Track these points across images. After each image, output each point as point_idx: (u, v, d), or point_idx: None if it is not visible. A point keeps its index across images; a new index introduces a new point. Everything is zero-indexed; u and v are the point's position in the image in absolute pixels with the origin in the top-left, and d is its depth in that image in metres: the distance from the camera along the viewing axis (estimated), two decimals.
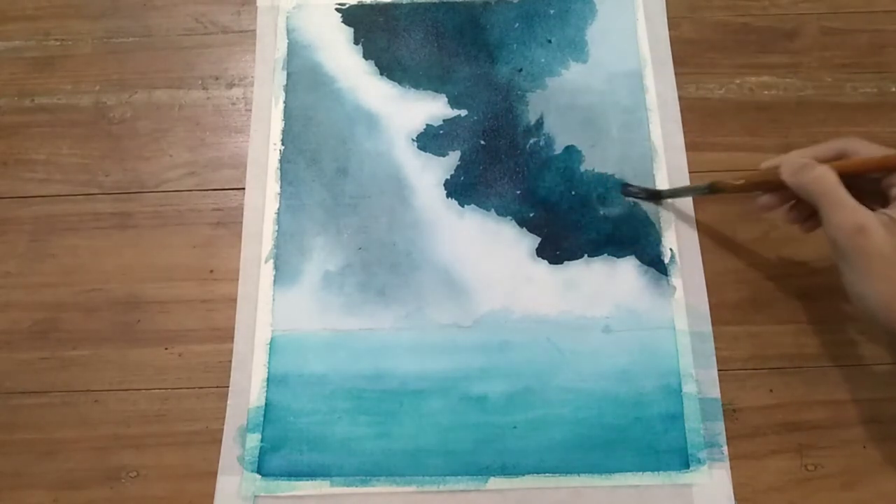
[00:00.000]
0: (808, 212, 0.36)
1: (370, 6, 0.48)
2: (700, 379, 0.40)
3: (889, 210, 0.32)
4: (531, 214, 0.43)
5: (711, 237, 0.43)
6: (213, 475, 0.38)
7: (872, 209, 0.32)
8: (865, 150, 0.34)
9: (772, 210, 0.37)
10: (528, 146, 0.45)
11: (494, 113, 0.46)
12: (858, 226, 0.31)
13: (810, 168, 0.33)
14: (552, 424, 0.39)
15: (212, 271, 0.42)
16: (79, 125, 0.46)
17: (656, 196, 0.43)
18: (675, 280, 0.42)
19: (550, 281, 0.42)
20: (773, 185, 0.36)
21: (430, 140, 0.45)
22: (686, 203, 0.43)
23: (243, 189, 0.44)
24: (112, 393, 0.40)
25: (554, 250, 0.42)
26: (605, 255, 0.42)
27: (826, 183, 0.32)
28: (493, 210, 0.43)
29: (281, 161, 0.45)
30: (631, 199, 0.43)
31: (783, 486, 0.38)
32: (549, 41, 0.47)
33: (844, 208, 0.32)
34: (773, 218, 0.38)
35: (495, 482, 0.38)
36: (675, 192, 0.43)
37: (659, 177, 0.44)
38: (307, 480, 0.38)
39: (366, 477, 0.38)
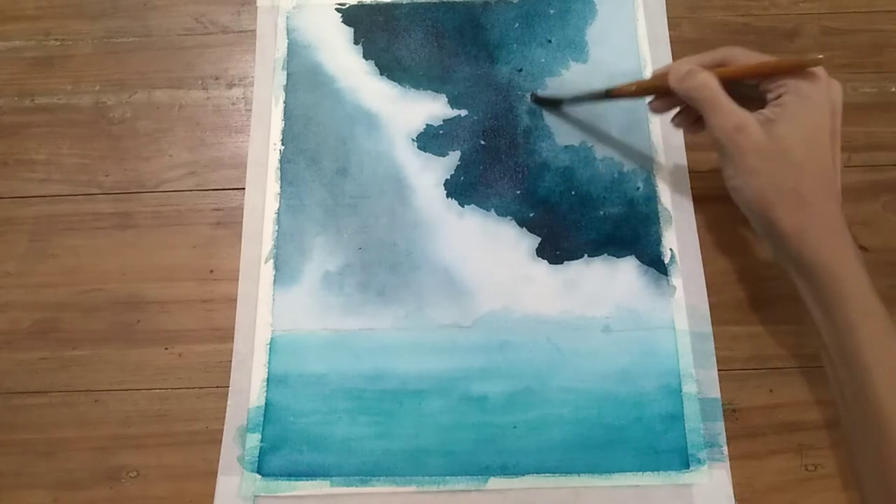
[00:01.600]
0: (694, 116, 0.39)
1: (370, 6, 0.48)
2: (700, 379, 0.40)
3: (765, 111, 0.35)
4: (531, 214, 0.43)
5: (711, 237, 0.43)
6: (213, 475, 0.38)
7: (752, 111, 0.35)
8: (745, 58, 0.36)
9: (662, 113, 0.40)
10: (528, 146, 0.45)
11: (494, 113, 0.46)
12: (737, 125, 0.34)
13: (693, 75, 0.36)
14: (552, 424, 0.39)
15: (212, 271, 0.42)
16: (79, 125, 0.46)
17: (558, 103, 0.45)
18: (675, 280, 0.42)
19: (550, 281, 0.42)
20: (664, 91, 0.38)
21: (430, 140, 0.45)
22: (686, 203, 0.43)
23: (243, 189, 0.44)
24: (112, 393, 0.40)
25: (554, 250, 0.42)
26: (605, 255, 0.42)
27: (708, 89, 0.35)
28: (493, 210, 0.43)
29: (281, 161, 0.45)
30: (538, 106, 0.45)
31: (783, 486, 0.38)
32: (549, 41, 0.47)
33: (724, 110, 0.35)
34: (665, 121, 0.41)
35: (495, 482, 0.38)
36: (575, 99, 0.44)
37: (659, 177, 0.44)
38: (307, 480, 0.38)
39: (366, 477, 0.38)
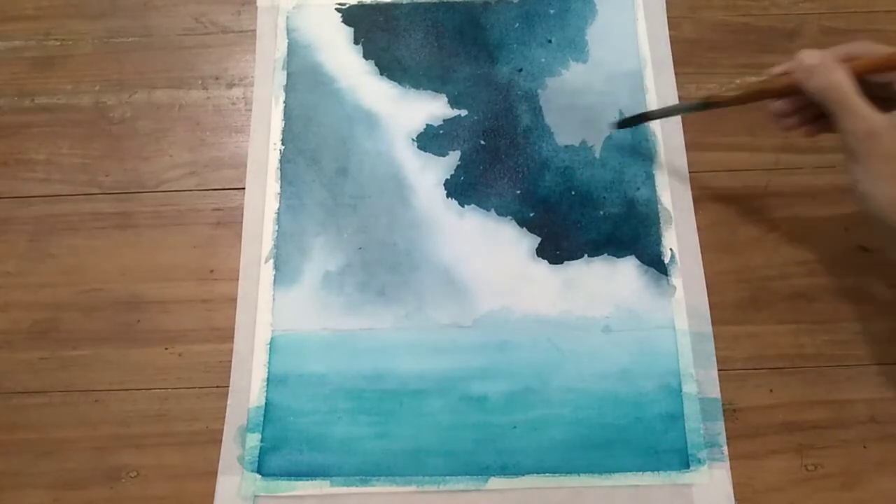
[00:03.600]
0: (812, 115, 0.36)
1: (370, 6, 0.48)
2: (700, 379, 0.40)
3: None
4: (531, 214, 0.43)
5: (711, 237, 0.43)
6: (213, 475, 0.38)
7: (881, 110, 0.33)
8: (875, 51, 0.34)
9: (788, 117, 0.37)
10: (528, 146, 0.45)
11: (494, 113, 0.46)
12: (870, 130, 0.32)
13: (827, 71, 0.33)
14: (552, 424, 0.39)
15: (212, 271, 0.42)
16: (79, 125, 0.46)
17: (645, 118, 0.44)
18: (675, 280, 0.42)
19: (550, 281, 0.42)
20: (771, 94, 0.36)
21: (430, 140, 0.45)
22: (686, 203, 0.43)
23: (243, 189, 0.44)
24: (112, 393, 0.40)
25: (554, 250, 0.42)
26: (605, 255, 0.42)
27: (842, 89, 0.33)
28: (493, 210, 0.43)
29: (281, 161, 0.45)
30: (625, 128, 0.44)
31: (783, 486, 0.38)
32: (549, 41, 0.47)
33: (858, 114, 0.33)
34: (780, 126, 0.38)
35: (495, 482, 0.38)
36: (666, 112, 0.43)
37: (659, 177, 0.44)
38: (307, 480, 0.38)
39: (366, 477, 0.38)
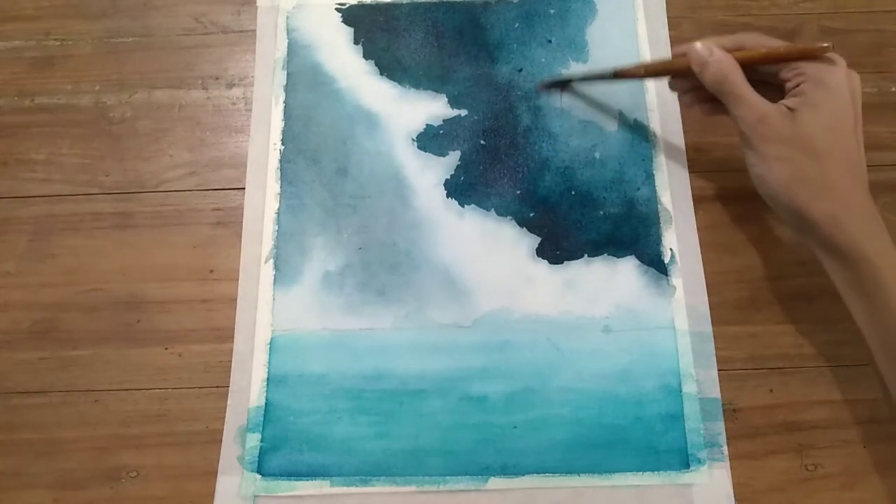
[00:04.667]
0: (707, 95, 0.38)
1: (370, 6, 0.48)
2: (700, 379, 0.40)
3: (786, 101, 0.35)
4: (531, 214, 0.43)
5: (711, 237, 0.43)
6: (213, 475, 0.38)
7: (770, 99, 0.36)
8: (760, 44, 0.37)
9: (682, 94, 0.41)
10: (528, 146, 0.45)
11: (494, 113, 0.46)
12: (760, 116, 0.35)
13: (719, 64, 0.36)
14: (552, 424, 0.39)
15: (212, 271, 0.42)
16: (79, 125, 0.46)
17: (566, 83, 0.46)
18: (675, 280, 0.42)
19: (550, 281, 0.42)
20: (673, 72, 0.40)
21: (430, 140, 0.45)
22: (686, 203, 0.43)
23: (243, 189, 0.44)
24: (112, 393, 0.40)
25: (554, 250, 0.42)
26: (605, 255, 0.42)
27: (733, 81, 0.36)
28: (493, 210, 0.43)
29: (281, 161, 0.45)
30: (545, 91, 0.46)
31: (783, 486, 0.38)
32: (549, 41, 0.47)
33: (748, 102, 0.35)
34: (680, 102, 0.42)
35: (495, 482, 0.38)
36: (583, 78, 0.45)
37: (659, 177, 0.44)
38: (307, 480, 0.38)
39: (366, 477, 0.38)
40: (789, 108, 0.35)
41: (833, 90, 0.34)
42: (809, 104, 0.34)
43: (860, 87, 0.36)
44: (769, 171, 0.35)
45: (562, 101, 0.46)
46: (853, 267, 0.34)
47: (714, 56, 0.36)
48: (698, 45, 0.37)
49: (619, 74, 0.42)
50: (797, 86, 0.35)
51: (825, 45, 0.35)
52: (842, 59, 0.35)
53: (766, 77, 0.37)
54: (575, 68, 0.47)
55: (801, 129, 0.34)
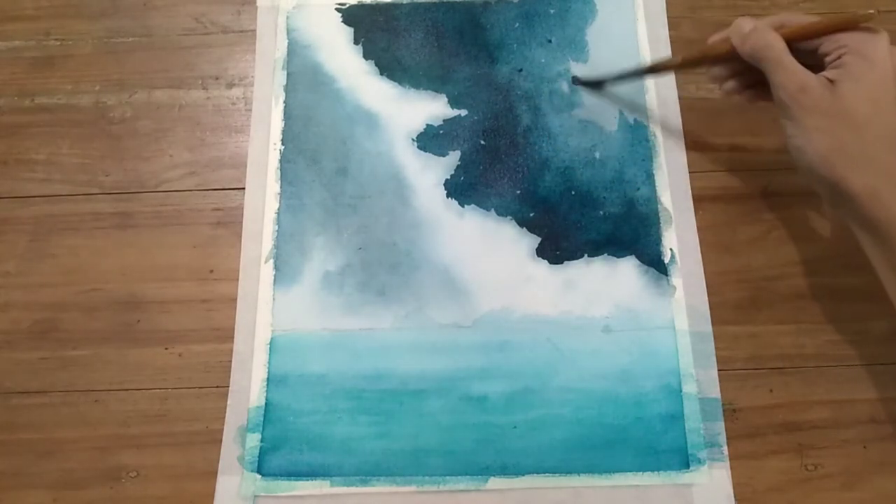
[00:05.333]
0: (748, 82, 0.39)
1: (370, 6, 0.48)
2: (700, 379, 0.40)
3: (826, 73, 0.35)
4: (531, 214, 0.43)
5: (711, 237, 0.43)
6: (213, 475, 0.38)
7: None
8: (802, 21, 0.36)
9: (724, 81, 0.40)
10: (528, 146, 0.45)
11: (494, 113, 0.46)
12: (801, 85, 0.34)
13: (760, 33, 0.36)
14: (552, 424, 0.39)
15: (212, 271, 0.42)
16: (79, 125, 0.46)
17: (600, 84, 0.46)
18: (675, 280, 0.42)
19: (550, 281, 0.42)
20: (711, 60, 0.39)
21: (430, 140, 0.45)
22: (686, 203, 0.43)
23: (243, 189, 0.44)
24: (112, 393, 0.40)
25: (554, 250, 0.42)
26: (605, 255, 0.42)
27: (775, 48, 0.35)
28: (493, 210, 0.43)
29: (281, 161, 0.45)
30: (581, 87, 0.46)
31: (783, 486, 0.38)
32: (550, 41, 0.47)
33: (789, 70, 0.35)
34: (722, 90, 0.40)
35: (495, 482, 0.38)
36: (618, 78, 0.45)
37: (659, 177, 0.44)
38: (307, 480, 0.38)
39: (366, 477, 0.38)
40: (830, 80, 0.34)
41: (875, 63, 0.34)
42: (851, 76, 0.34)
43: None
44: (808, 142, 0.34)
45: (585, 102, 0.46)
46: (891, 242, 0.33)
47: (757, 27, 0.36)
48: (741, 19, 0.37)
49: (654, 69, 0.42)
50: (838, 58, 0.34)
51: (870, 11, 0.34)
52: (884, 32, 0.34)
53: (807, 58, 0.36)
54: (575, 68, 0.47)
55: (841, 101, 0.33)
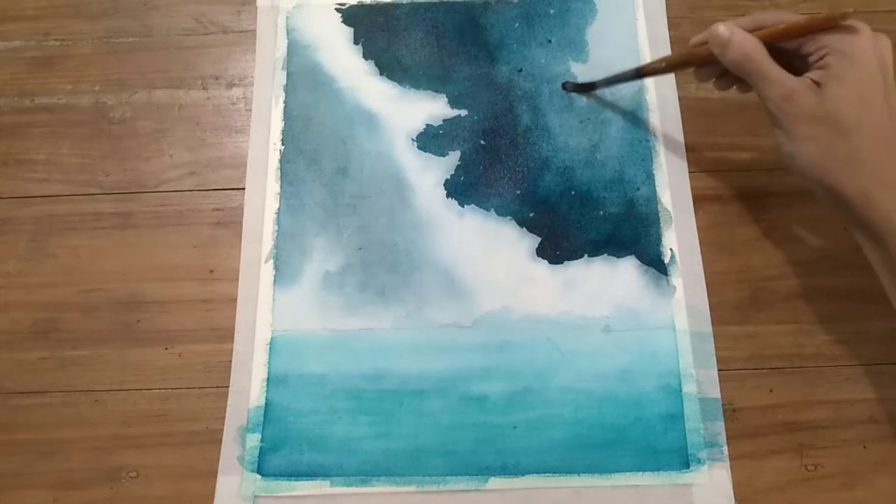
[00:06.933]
0: (735, 77, 0.38)
1: (370, 6, 0.48)
2: (700, 379, 0.40)
3: (811, 74, 0.34)
4: (531, 214, 0.43)
5: (711, 237, 0.43)
6: (213, 475, 0.38)
7: (795, 73, 0.35)
8: (783, 20, 0.36)
9: (705, 82, 0.40)
10: (528, 146, 0.45)
11: (494, 113, 0.46)
12: (786, 94, 0.34)
13: (738, 44, 0.35)
14: (552, 424, 0.39)
15: (212, 271, 0.42)
16: (79, 125, 0.46)
17: (591, 87, 0.46)
18: (675, 280, 0.42)
19: (550, 281, 0.42)
20: (695, 62, 0.39)
21: (430, 140, 0.45)
22: (686, 203, 0.43)
23: (243, 189, 0.44)
24: (112, 393, 0.40)
25: (554, 250, 0.42)
26: (605, 255, 0.42)
27: (755, 59, 0.35)
28: (493, 210, 0.43)
29: (281, 161, 0.45)
30: (572, 93, 0.46)
31: (783, 486, 0.38)
32: (549, 41, 0.47)
33: (772, 80, 0.34)
34: (713, 86, 0.40)
35: (495, 482, 0.38)
36: (607, 81, 0.45)
37: (659, 177, 0.44)
38: (307, 480, 0.38)
39: (366, 477, 0.38)
40: (815, 82, 0.34)
41: (858, 60, 0.33)
42: (835, 77, 0.33)
43: (889, 50, 0.34)
44: (798, 150, 0.34)
45: (585, 102, 0.46)
46: (887, 244, 0.33)
47: (734, 37, 0.35)
48: (718, 26, 0.36)
49: (641, 72, 0.42)
50: (821, 59, 0.34)
51: (847, 10, 0.34)
52: (865, 25, 0.34)
53: (790, 54, 0.36)
54: (575, 69, 0.47)
55: (827, 105, 0.33)
